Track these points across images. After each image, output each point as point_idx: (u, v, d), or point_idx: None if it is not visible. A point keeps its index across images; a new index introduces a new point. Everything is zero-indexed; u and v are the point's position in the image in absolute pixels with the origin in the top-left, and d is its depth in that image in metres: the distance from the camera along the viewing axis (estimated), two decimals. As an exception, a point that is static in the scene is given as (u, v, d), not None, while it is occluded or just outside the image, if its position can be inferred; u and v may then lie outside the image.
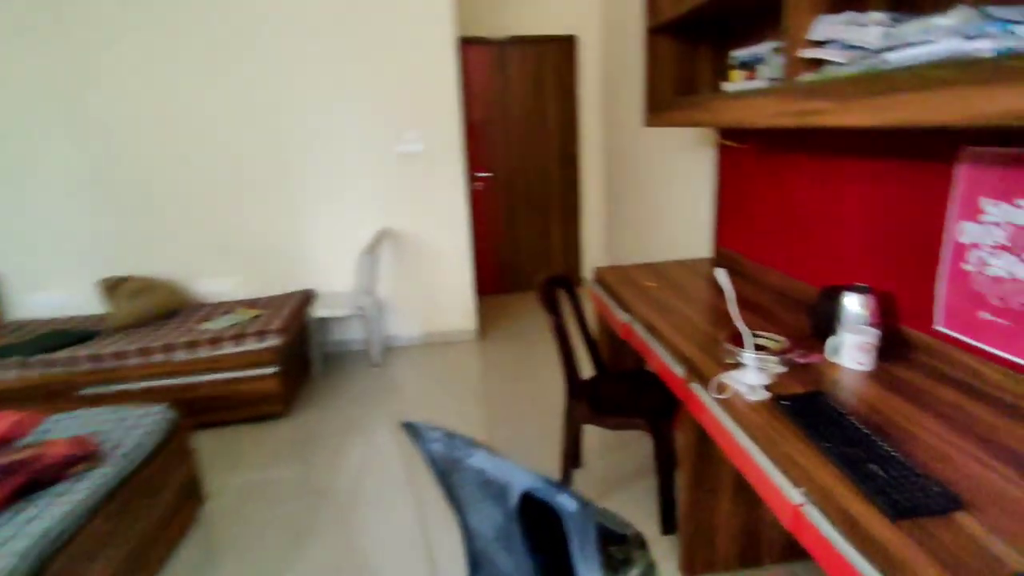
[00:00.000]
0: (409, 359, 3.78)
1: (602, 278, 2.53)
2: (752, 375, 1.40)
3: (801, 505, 1.13)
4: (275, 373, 2.93)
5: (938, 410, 1.27)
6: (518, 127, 4.66)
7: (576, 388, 2.13)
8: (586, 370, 2.34)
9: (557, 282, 2.20)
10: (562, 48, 4.52)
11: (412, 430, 1.14)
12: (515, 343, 3.93)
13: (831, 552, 1.04)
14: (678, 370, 1.73)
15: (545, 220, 4.89)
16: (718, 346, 1.67)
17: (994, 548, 0.88)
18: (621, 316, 2.26)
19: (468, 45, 4.39)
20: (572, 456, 2.19)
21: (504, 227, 4.86)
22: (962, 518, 0.95)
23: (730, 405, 1.38)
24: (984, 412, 1.26)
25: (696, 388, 1.59)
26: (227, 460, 2.70)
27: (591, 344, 2.38)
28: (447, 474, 1.14)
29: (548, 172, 4.79)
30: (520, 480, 0.98)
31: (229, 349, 2.88)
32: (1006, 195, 1.29)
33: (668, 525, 2.03)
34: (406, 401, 3.20)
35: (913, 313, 1.56)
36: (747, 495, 1.78)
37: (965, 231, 1.39)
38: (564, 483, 2.18)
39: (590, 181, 4.80)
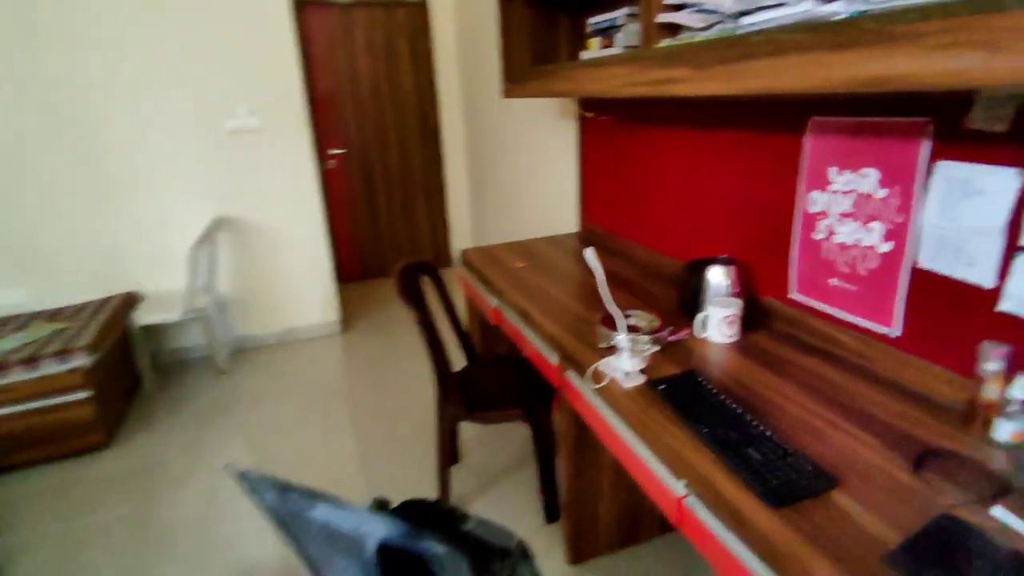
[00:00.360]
0: (264, 361, 3.39)
1: (470, 260, 2.38)
2: (627, 360, 1.33)
3: (683, 498, 1.08)
4: (89, 398, 2.44)
5: (801, 379, 1.29)
6: (371, 99, 4.31)
7: (447, 384, 1.97)
8: (459, 360, 2.20)
9: (419, 269, 2.01)
10: (413, 13, 4.23)
11: (245, 480, 0.91)
12: (383, 333, 3.69)
13: (716, 546, 1.00)
14: (552, 358, 1.64)
15: (408, 199, 4.63)
16: (591, 329, 1.60)
17: (871, 527, 0.87)
18: (491, 301, 2.13)
19: (308, 8, 3.95)
20: (448, 453, 2.05)
21: (364, 208, 4.52)
22: (837, 497, 0.93)
23: (607, 393, 1.30)
24: (841, 378, 1.29)
25: (572, 376, 1.51)
26: (41, 507, 2.21)
27: (462, 332, 2.23)
28: (290, 529, 0.93)
29: (408, 147, 4.51)
30: (374, 530, 0.81)
31: (20, 376, 2.34)
32: (850, 164, 1.31)
33: (551, 514, 1.97)
34: (261, 410, 2.85)
35: (771, 283, 1.60)
36: (627, 476, 1.76)
37: (814, 201, 1.42)
38: (442, 482, 2.04)
39: (454, 156, 4.60)
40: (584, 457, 1.69)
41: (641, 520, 1.85)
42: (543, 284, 2.01)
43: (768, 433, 1.08)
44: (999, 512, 0.87)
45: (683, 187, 1.91)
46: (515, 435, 2.51)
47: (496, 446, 2.45)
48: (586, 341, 1.54)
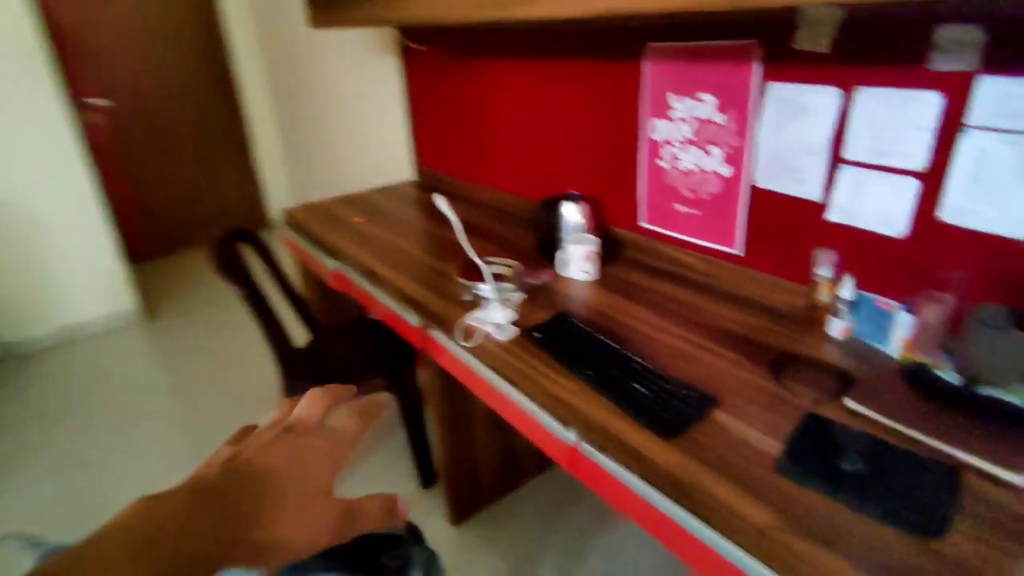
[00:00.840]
0: (41, 370, 2.74)
1: (296, 220, 2.09)
2: (497, 312, 1.25)
3: (576, 445, 1.05)
4: None
5: (662, 305, 1.32)
6: (136, 36, 3.54)
7: (290, 363, 1.74)
8: (299, 334, 1.95)
9: (237, 237, 1.70)
10: (179, -71, 3.50)
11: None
12: (200, 315, 3.19)
13: (618, 486, 0.98)
14: (411, 318, 1.50)
15: (208, 157, 3.98)
16: (449, 282, 1.48)
17: (754, 440, 0.90)
18: (329, 264, 1.90)
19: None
20: (304, 439, 1.84)
21: (152, 170, 3.80)
22: (718, 415, 0.96)
23: (481, 351, 1.21)
24: (695, 298, 1.35)
25: (438, 336, 1.39)
26: None
27: (298, 302, 1.97)
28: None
29: (199, 96, 3.84)
30: None
31: None
32: (689, 90, 1.33)
33: (427, 478, 1.88)
34: (42, 435, 2.31)
35: (622, 214, 1.61)
36: (501, 424, 1.72)
37: (657, 128, 1.43)
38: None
39: (259, 103, 4.02)
40: (455, 415, 1.61)
41: (518, 462, 1.85)
42: (387, 238, 1.83)
43: (645, 365, 1.08)
44: (851, 403, 0.96)
45: (525, 123, 1.83)
46: (374, 403, 2.35)
47: (355, 418, 2.27)
48: (446, 296, 1.42)
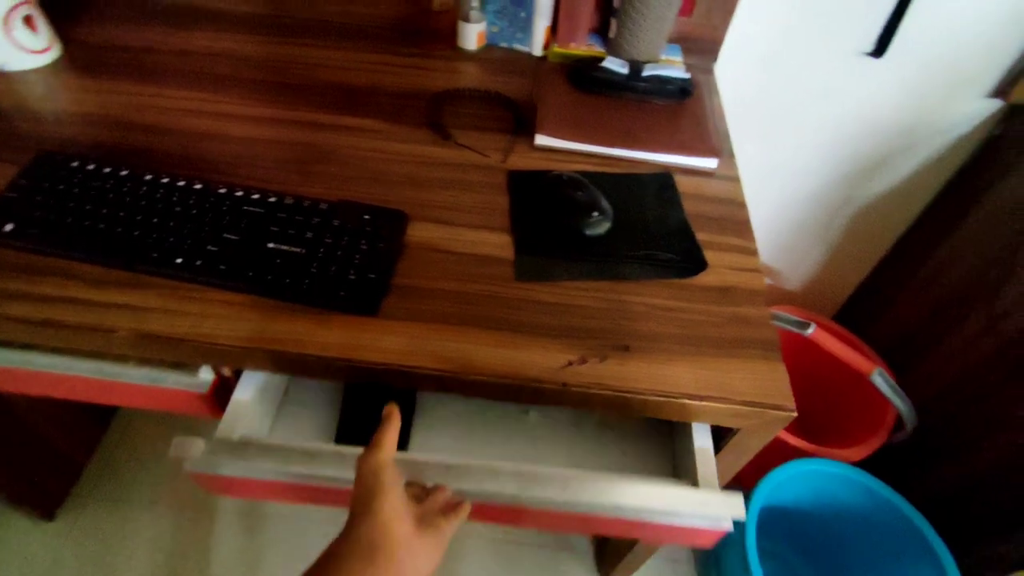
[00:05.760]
0: None
1: None
2: None
3: (215, 384, 0.59)
4: None
5: (208, 71, 0.78)
6: None
7: None
8: None
9: None
10: None
11: None
12: None
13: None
14: None
15: None
16: None
17: (483, 246, 0.61)
18: None
19: None
20: None
21: None
22: (416, 234, 0.62)
23: None
24: (249, 43, 0.83)
25: None
26: None
27: None
28: None
29: None
30: None
31: None
32: None
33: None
34: None
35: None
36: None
37: None
38: None
39: None
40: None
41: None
42: None
43: (260, 196, 0.61)
44: (542, 139, 0.73)
45: None
46: None
47: None
48: None
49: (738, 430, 0.57)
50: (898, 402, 0.99)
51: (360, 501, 0.40)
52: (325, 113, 0.74)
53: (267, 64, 0.81)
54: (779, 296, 1.35)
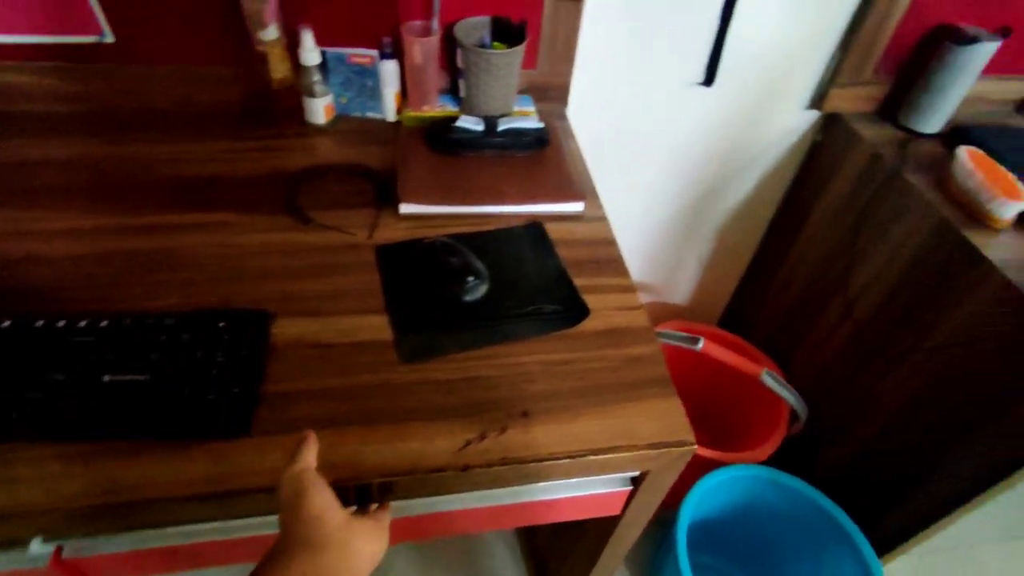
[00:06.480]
0: None
1: None
2: None
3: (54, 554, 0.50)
4: None
5: (47, 183, 0.68)
6: None
7: None
8: None
9: None
10: None
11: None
12: None
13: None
14: None
15: None
16: None
17: (362, 331, 0.57)
18: None
19: None
20: None
21: None
22: (283, 330, 0.57)
23: None
24: (65, 147, 0.75)
25: None
26: None
27: None
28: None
29: None
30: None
31: None
32: None
33: None
34: None
35: None
36: None
37: None
38: None
39: None
40: None
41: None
42: None
43: (103, 322, 0.53)
44: (406, 207, 0.71)
45: None
46: None
47: None
48: None
49: (648, 472, 0.57)
50: (788, 397, 1.06)
51: (287, 505, 0.39)
52: (169, 213, 0.67)
53: (96, 168, 0.73)
54: (668, 312, 1.41)
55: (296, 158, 0.78)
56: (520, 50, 0.78)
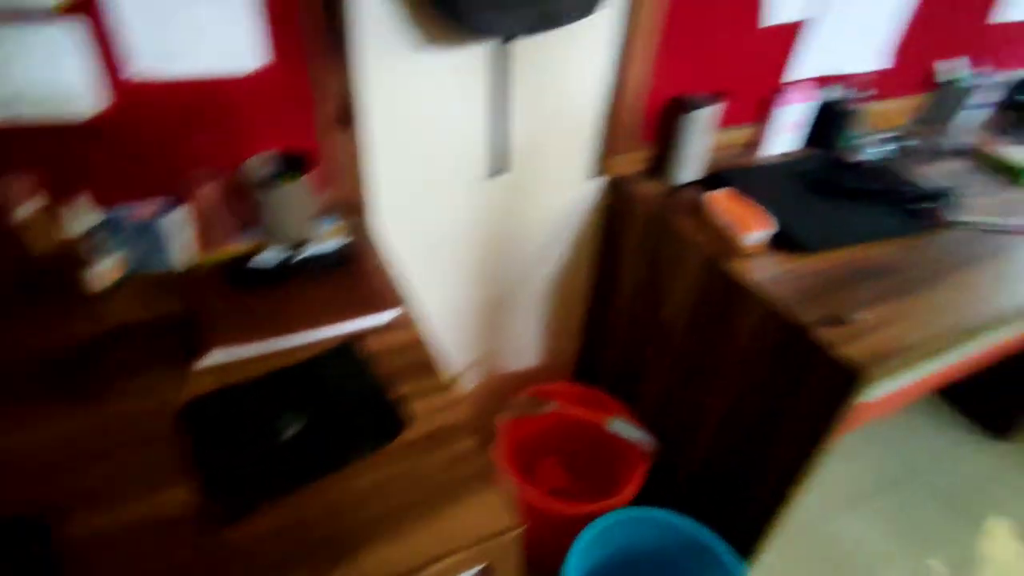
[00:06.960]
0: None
1: None
2: None
3: None
4: None
5: None
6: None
7: None
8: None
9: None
10: None
11: None
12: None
13: None
14: None
15: None
16: None
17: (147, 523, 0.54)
18: None
19: None
20: None
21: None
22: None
23: None
24: None
25: None
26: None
27: None
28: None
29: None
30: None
31: None
32: None
33: None
34: None
35: None
36: None
37: None
38: None
39: None
40: None
41: None
42: None
43: None
44: (216, 355, 0.69)
45: None
46: None
47: None
48: None
49: (490, 563, 0.59)
50: (635, 437, 1.14)
51: None
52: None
53: None
54: (522, 378, 1.47)
55: (81, 329, 0.73)
56: (304, 180, 0.82)
